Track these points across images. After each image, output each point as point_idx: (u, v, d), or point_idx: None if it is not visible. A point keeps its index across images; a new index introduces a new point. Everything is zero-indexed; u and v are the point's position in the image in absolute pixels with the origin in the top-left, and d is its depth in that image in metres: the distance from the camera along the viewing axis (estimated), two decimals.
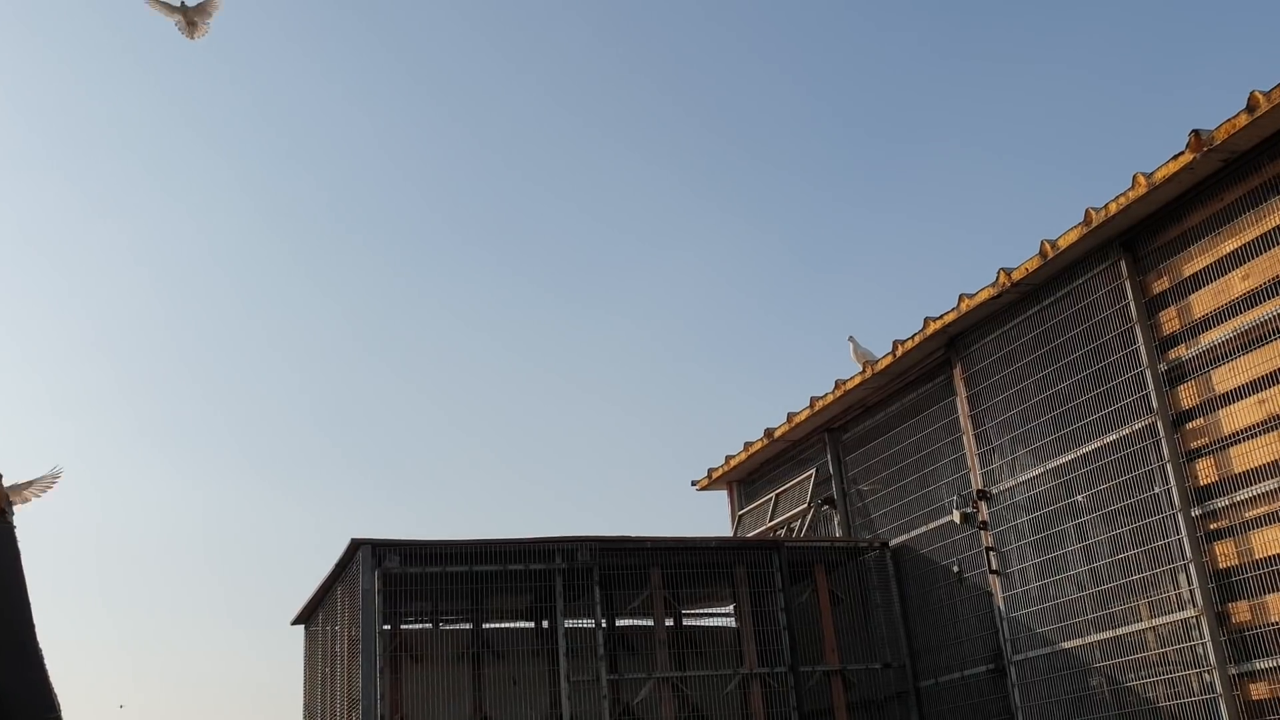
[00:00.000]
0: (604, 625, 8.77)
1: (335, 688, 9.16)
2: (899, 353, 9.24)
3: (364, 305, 27.80)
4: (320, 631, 9.96)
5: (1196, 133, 6.59)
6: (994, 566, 8.47)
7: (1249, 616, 6.59)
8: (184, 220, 26.57)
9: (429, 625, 10.19)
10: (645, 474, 27.14)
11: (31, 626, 5.67)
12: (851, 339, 10.24)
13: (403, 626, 9.84)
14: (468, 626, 10.08)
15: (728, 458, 11.90)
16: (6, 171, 25.60)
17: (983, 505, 8.61)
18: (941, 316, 8.76)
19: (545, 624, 10.11)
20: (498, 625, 10.32)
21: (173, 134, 26.39)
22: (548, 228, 27.55)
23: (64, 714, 4.46)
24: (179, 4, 10.08)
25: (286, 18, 26.34)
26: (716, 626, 10.82)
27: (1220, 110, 7.02)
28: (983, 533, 8.59)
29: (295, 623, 10.57)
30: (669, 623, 9.68)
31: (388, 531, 8.52)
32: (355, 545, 8.43)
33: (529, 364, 27.32)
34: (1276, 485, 6.45)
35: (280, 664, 24.11)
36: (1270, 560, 6.49)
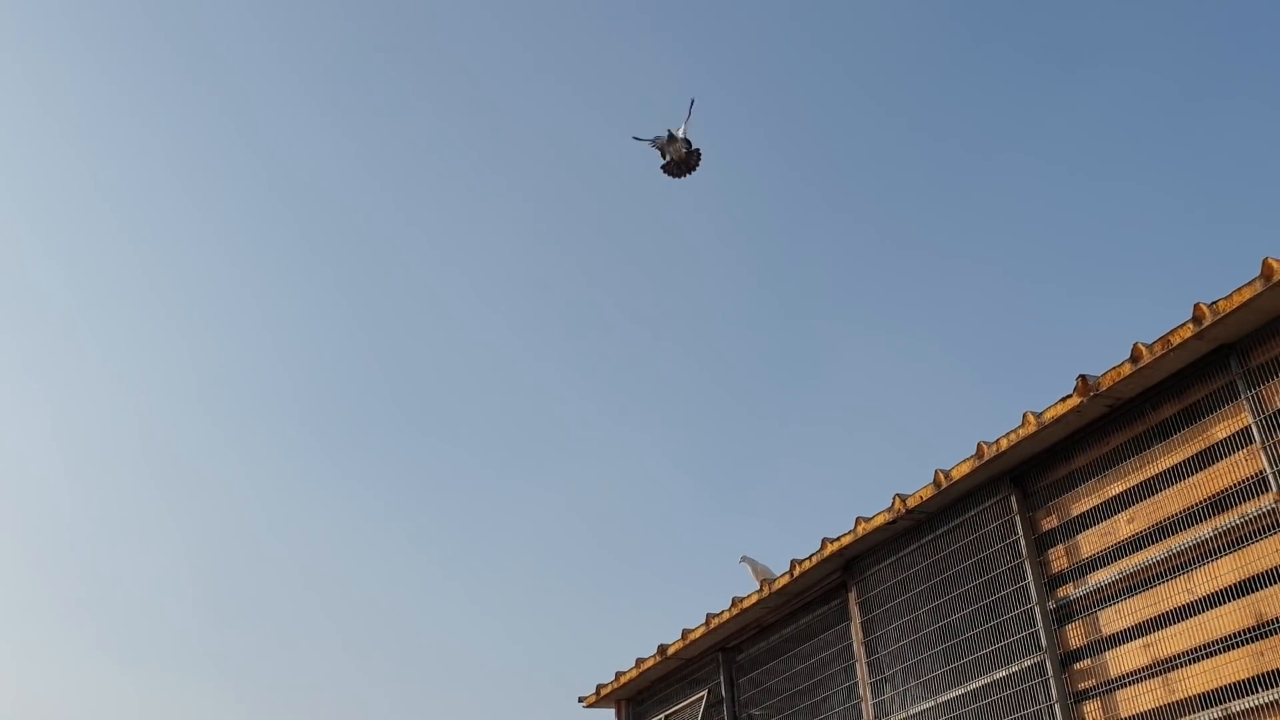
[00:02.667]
0: None
1: None
2: (796, 572, 9.18)
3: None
4: None
5: (1084, 377, 6.85)
6: None
7: None
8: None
9: None
10: (531, 690, 26.21)
11: None
12: (746, 558, 10.17)
13: None
14: None
15: (618, 674, 11.54)
16: None
17: None
18: (839, 539, 8.76)
19: None
20: None
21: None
22: (456, 434, 27.38)
23: None
24: None
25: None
26: None
27: (1107, 356, 7.34)
28: None
29: None
30: None
31: None
32: None
33: (419, 565, 26.62)
34: None
35: None
36: None
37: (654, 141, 9.49)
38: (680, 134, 9.47)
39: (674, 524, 26.61)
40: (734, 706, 10.24)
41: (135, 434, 26.37)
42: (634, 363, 26.74)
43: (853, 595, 8.88)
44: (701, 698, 10.51)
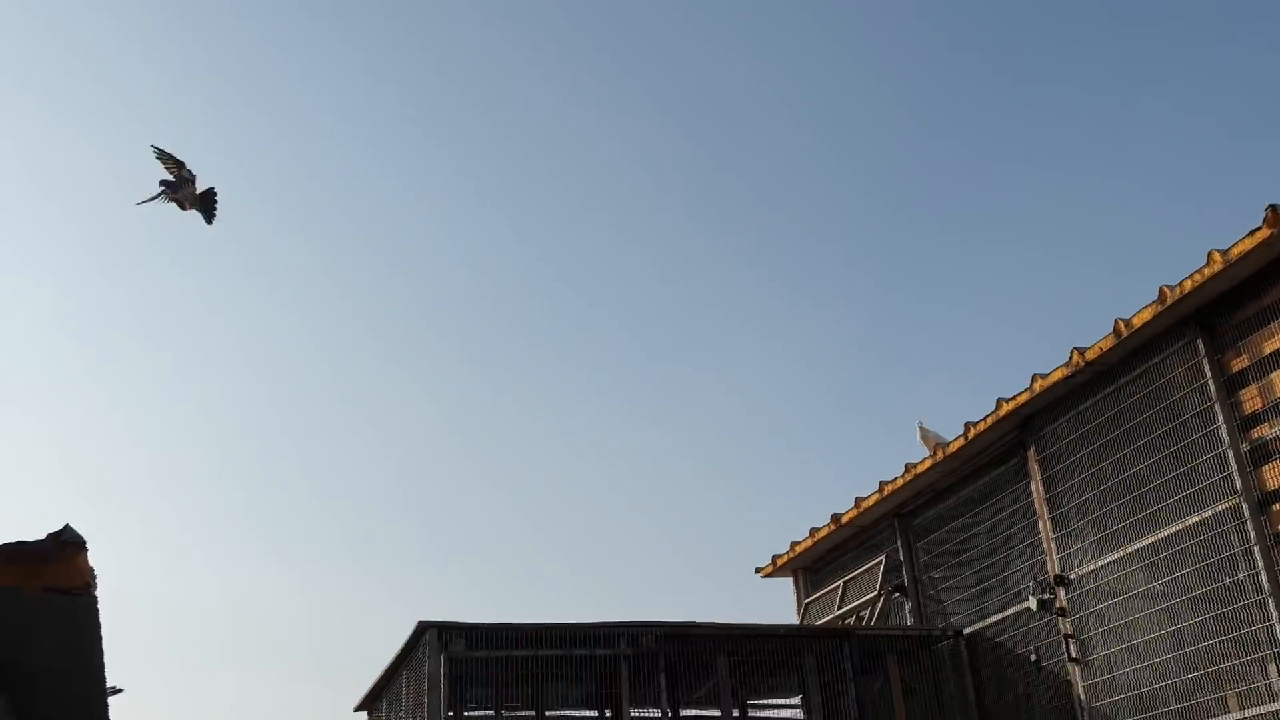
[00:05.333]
0: (670, 714, 8.59)
1: None
2: (970, 435, 9.11)
3: (442, 390, 28.08)
4: (384, 718, 9.86)
5: (1274, 208, 6.51)
6: (1073, 654, 8.20)
7: None
8: (285, 313, 27.18)
9: (491, 713, 10.05)
10: (708, 561, 26.87)
11: (106, 703, 5.69)
12: (920, 423, 10.12)
13: (465, 714, 9.73)
14: (530, 714, 9.94)
15: (793, 544, 11.73)
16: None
17: (1060, 591, 8.37)
18: (1014, 397, 8.64)
19: (608, 713, 9.95)
20: (560, 713, 10.16)
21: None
22: (623, 314, 27.75)
23: None
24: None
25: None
26: (784, 719, 10.56)
27: None
28: (1060, 620, 8.34)
29: (358, 709, 10.48)
30: (735, 713, 9.46)
31: (449, 615, 8.46)
32: (422, 628, 8.38)
33: (596, 448, 27.38)
34: None
35: None
36: None
37: (163, 196, 8.83)
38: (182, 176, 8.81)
39: (844, 393, 26.55)
40: (913, 570, 10.32)
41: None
42: (798, 231, 26.38)
43: (1031, 453, 8.77)
44: (879, 563, 10.62)
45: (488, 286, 28.34)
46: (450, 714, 8.38)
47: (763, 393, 27.00)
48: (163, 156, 8.26)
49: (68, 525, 4.10)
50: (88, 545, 4.14)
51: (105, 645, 4.90)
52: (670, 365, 27.51)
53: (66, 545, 4.08)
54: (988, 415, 8.94)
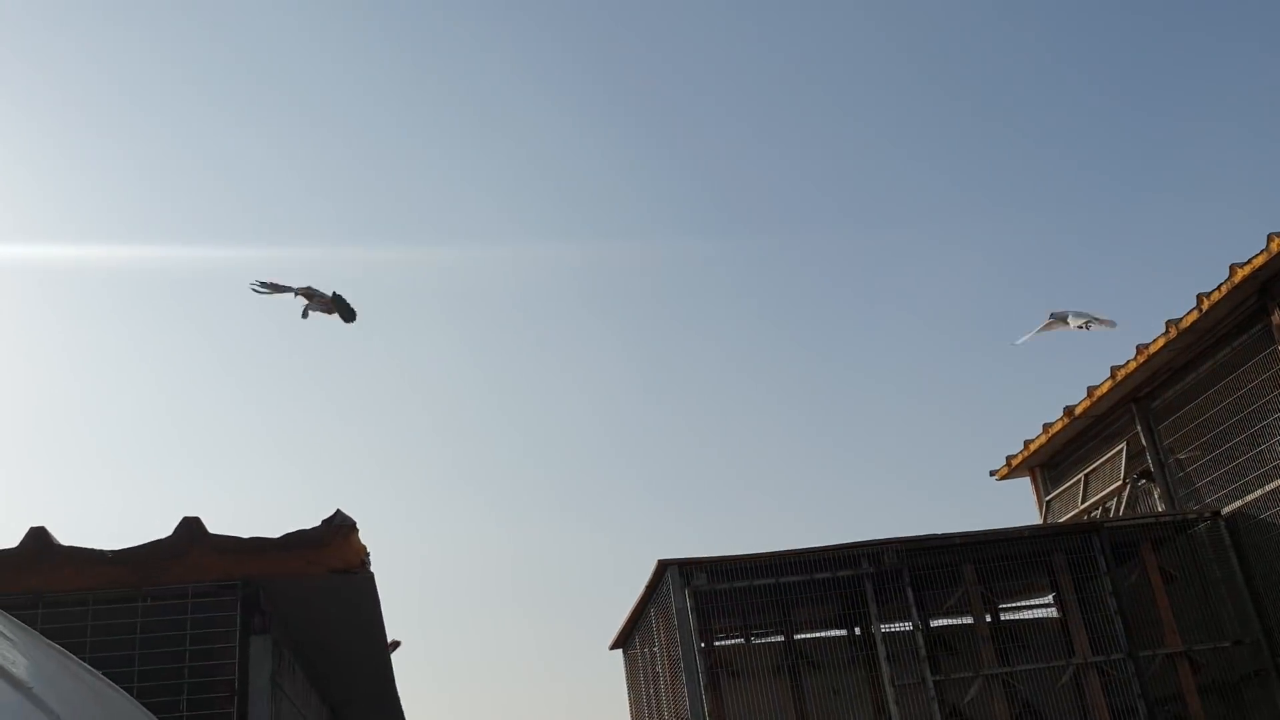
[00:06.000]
0: (921, 627, 8.56)
1: (660, 707, 9.38)
2: (1205, 306, 8.59)
3: (642, 334, 28.55)
4: (639, 654, 10.23)
5: None
6: None
7: None
8: (491, 269, 28.15)
9: (740, 640, 10.28)
10: (939, 471, 26.51)
11: (389, 661, 6.13)
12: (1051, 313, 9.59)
13: (716, 643, 9.98)
14: (780, 639, 10.09)
15: (1026, 442, 11.41)
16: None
17: None
18: (1250, 261, 8.08)
19: (857, 630, 10.00)
20: (810, 635, 10.28)
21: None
22: (819, 227, 27.40)
23: None
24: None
25: None
26: (1038, 619, 10.34)
27: None
28: None
29: (614, 647, 10.91)
30: (988, 619, 9.34)
31: (689, 551, 8.69)
32: (663, 566, 8.62)
33: (812, 368, 27.30)
34: None
35: (603, 688, 25.26)
36: None
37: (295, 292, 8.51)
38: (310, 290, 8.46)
39: (1059, 284, 25.50)
40: (1158, 454, 9.86)
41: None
42: (1006, 134, 25.30)
43: (1276, 318, 8.20)
44: (1120, 450, 10.21)
45: (659, 186, 28.34)
46: (702, 644, 8.61)
47: (974, 294, 26.19)
48: (270, 288, 8.65)
49: (338, 510, 4.42)
50: (357, 526, 4.45)
51: (383, 608, 5.28)
52: (872, 275, 26.99)
53: (339, 529, 4.39)
54: (1221, 284, 8.40)
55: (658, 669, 9.43)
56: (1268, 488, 8.55)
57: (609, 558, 26.62)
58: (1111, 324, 8.51)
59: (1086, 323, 8.38)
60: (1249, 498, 8.75)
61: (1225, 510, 8.97)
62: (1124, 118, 24.54)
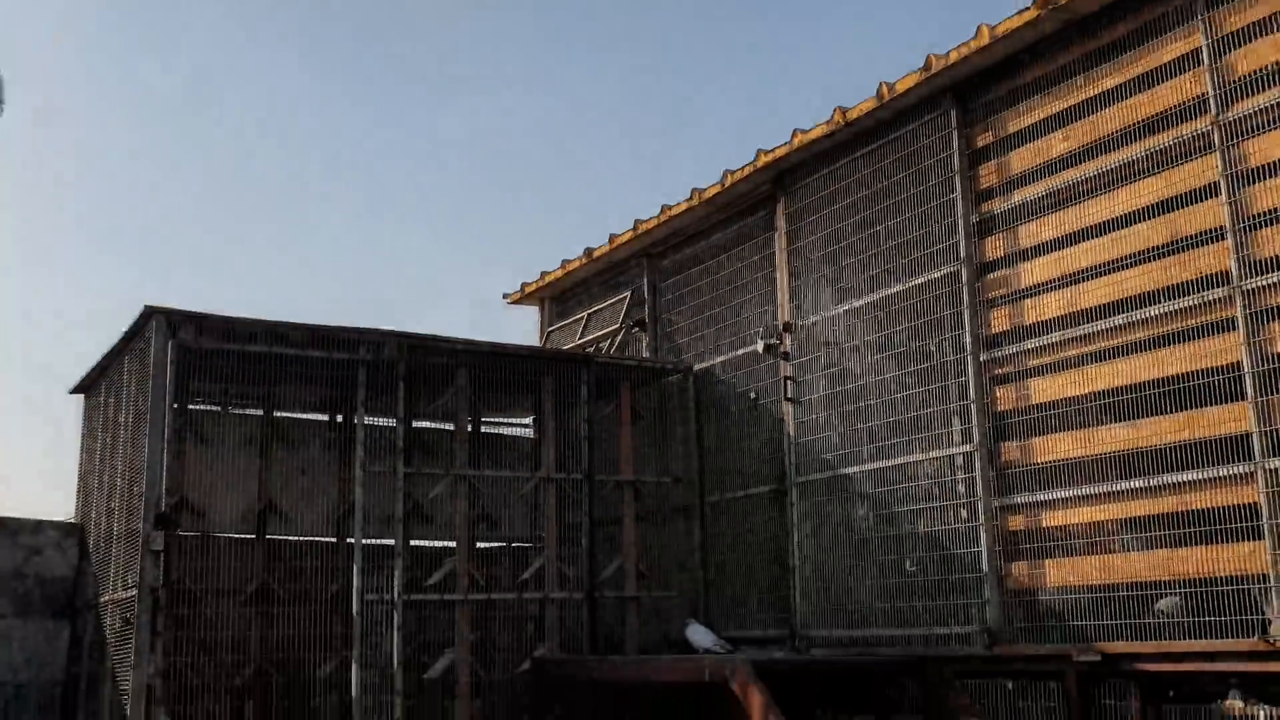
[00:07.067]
0: (403, 420, 8.68)
1: (115, 460, 8.80)
2: (728, 182, 9.30)
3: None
4: (102, 402, 9.50)
5: None
6: (789, 395, 8.81)
7: (1017, 455, 7.11)
8: None
9: (217, 408, 9.87)
10: (458, 284, 26.97)
11: None
12: None
13: (190, 406, 9.51)
14: (258, 413, 9.82)
15: (543, 273, 11.84)
16: None
17: (787, 337, 8.90)
18: (773, 150, 8.83)
19: (339, 419, 9.97)
20: (291, 414, 10.10)
21: None
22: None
23: None
24: None
25: None
26: (515, 436, 10.92)
27: None
28: (783, 363, 8.90)
29: (74, 391, 10.04)
30: (469, 427, 9.69)
31: (183, 303, 8.10)
32: (148, 313, 7.99)
33: (355, 155, 26.36)
34: (1060, 338, 6.90)
35: (56, 434, 23.49)
36: (1044, 406, 6.99)
37: None
38: None
39: (607, 134, 26.41)
40: (655, 308, 10.66)
41: None
42: None
43: (781, 205, 9.08)
44: (624, 298, 10.90)
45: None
46: (175, 405, 8.15)
47: (526, 125, 26.54)
48: None
49: None
50: None
51: None
52: (438, 83, 26.45)
53: None
54: (746, 165, 9.13)
55: (120, 420, 8.80)
56: (733, 354, 9.56)
57: (88, 297, 24.55)
58: None
59: None
60: (718, 359, 9.74)
61: (697, 367, 9.93)
62: None
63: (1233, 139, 6.08)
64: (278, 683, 9.12)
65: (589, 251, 11.12)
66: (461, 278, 27.32)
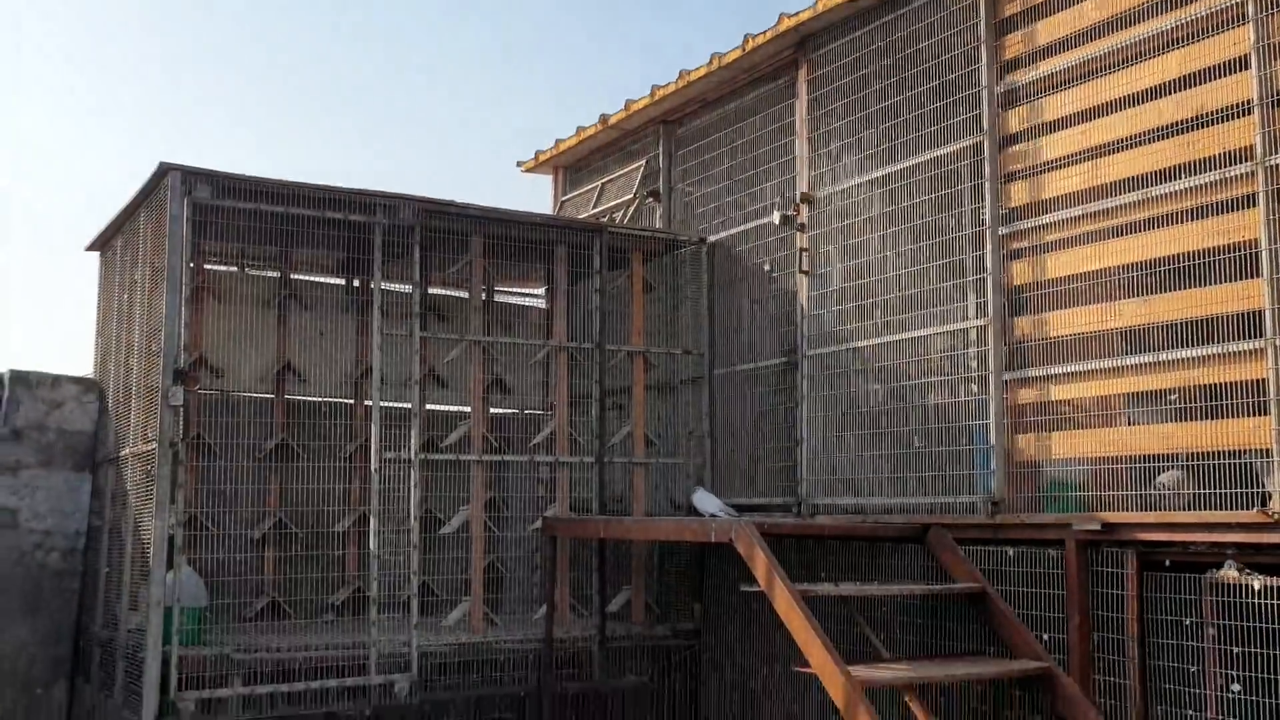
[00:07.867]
0: (419, 285, 8.72)
1: (133, 318, 8.89)
2: (749, 46, 9.13)
3: None
4: (118, 260, 9.54)
5: None
6: (804, 267, 8.81)
7: (1029, 330, 7.15)
8: None
9: (234, 268, 9.93)
10: (473, 150, 26.78)
11: None
12: None
13: (207, 266, 9.57)
14: (275, 274, 9.88)
15: (558, 141, 11.72)
16: None
17: (804, 209, 8.85)
18: (797, 14, 8.65)
19: (356, 283, 10.03)
20: (307, 277, 10.16)
21: None
22: None
23: None
24: None
25: None
26: (528, 305, 11.00)
27: None
28: (799, 235, 8.88)
29: (90, 249, 10.08)
30: (484, 295, 9.74)
31: (199, 161, 8.09)
32: (164, 170, 7.97)
33: (374, 18, 25.91)
34: (1080, 213, 6.86)
35: (74, 290, 23.69)
36: (1058, 281, 6.99)
37: None
38: None
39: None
40: (669, 178, 10.59)
41: None
42: None
43: (803, 72, 8.93)
44: (639, 167, 10.82)
45: None
46: (191, 264, 8.19)
47: None
48: None
49: None
50: None
51: None
52: None
53: None
54: (768, 29, 8.95)
55: (136, 277, 8.86)
56: (748, 226, 9.53)
57: (104, 153, 24.44)
58: None
59: None
60: (732, 231, 9.72)
61: (712, 238, 9.91)
62: None
63: (1269, 8, 5.95)
64: (297, 535, 9.38)
65: (604, 118, 10.99)
66: (480, 146, 27.09)
